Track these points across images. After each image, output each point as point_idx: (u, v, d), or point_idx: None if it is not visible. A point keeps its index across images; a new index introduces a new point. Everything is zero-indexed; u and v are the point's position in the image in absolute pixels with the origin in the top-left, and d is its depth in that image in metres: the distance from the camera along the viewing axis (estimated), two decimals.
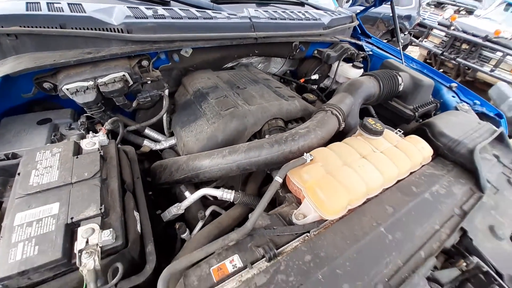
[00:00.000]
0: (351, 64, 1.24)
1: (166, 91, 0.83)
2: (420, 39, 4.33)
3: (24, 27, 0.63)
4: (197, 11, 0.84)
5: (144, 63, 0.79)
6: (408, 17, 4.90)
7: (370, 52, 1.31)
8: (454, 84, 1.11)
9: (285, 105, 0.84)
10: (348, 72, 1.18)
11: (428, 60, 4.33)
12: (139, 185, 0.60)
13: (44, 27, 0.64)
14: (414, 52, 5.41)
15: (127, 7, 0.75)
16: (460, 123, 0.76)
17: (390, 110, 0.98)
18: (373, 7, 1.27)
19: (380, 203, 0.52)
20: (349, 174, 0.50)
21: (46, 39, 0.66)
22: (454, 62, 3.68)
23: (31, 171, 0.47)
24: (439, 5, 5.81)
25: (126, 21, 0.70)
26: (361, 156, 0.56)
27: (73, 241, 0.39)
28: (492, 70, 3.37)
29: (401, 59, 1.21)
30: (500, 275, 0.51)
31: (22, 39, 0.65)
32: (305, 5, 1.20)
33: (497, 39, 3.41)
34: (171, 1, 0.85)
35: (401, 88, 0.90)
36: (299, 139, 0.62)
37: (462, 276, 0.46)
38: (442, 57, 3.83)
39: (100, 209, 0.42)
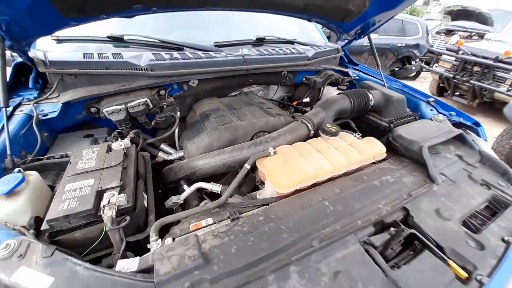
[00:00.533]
0: (336, 87, 1.42)
1: (178, 113, 1.07)
2: (430, 65, 4.43)
3: (81, 69, 0.93)
4: (202, 53, 1.11)
5: (162, 92, 1.05)
6: (417, 46, 5.11)
7: (357, 77, 1.49)
8: (431, 99, 1.22)
9: (271, 121, 1.02)
10: (333, 94, 1.35)
11: (441, 85, 4.36)
12: (150, 178, 0.80)
13: (95, 69, 0.93)
14: (427, 78, 5.47)
15: (152, 53, 1.04)
16: (421, 128, 0.87)
17: (368, 123, 1.11)
18: (354, 40, 1.48)
19: (330, 186, 0.64)
20: (302, 161, 0.64)
21: (95, 77, 0.95)
22: (468, 84, 3.68)
23: (78, 161, 0.69)
24: (449, 33, 5.94)
25: (150, 63, 0.98)
26: (316, 150, 0.70)
27: (100, 201, 0.58)
28: (508, 90, 3.30)
29: (383, 81, 1.37)
30: (440, 248, 0.58)
31: (79, 77, 0.94)
32: (294, 43, 1.46)
33: (509, 59, 3.41)
34: (184, 47, 1.15)
35: (372, 103, 1.04)
36: (271, 141, 0.79)
37: (394, 241, 0.54)
38: (455, 81, 3.86)
39: (120, 183, 0.62)
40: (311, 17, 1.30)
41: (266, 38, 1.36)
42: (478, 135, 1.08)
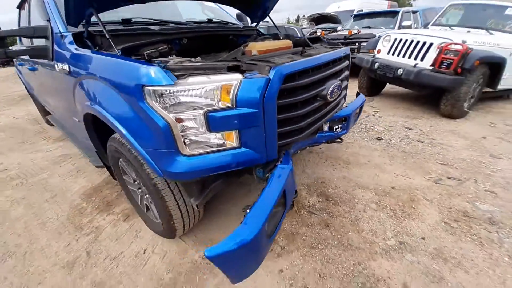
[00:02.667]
0: None
1: None
2: None
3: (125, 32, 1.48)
4: (184, 25, 1.80)
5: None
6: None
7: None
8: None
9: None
10: None
11: None
12: None
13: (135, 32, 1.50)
14: None
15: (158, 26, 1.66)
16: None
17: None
18: (261, 20, 2.46)
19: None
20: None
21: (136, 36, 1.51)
22: None
23: None
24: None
25: (161, 27, 1.60)
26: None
27: None
28: (356, 52, 5.28)
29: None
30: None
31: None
32: (229, 23, 2.31)
33: (352, 35, 5.48)
34: (170, 23, 1.80)
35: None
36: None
37: None
38: None
39: None
40: (238, 6, 2.19)
41: (213, 20, 2.16)
42: None
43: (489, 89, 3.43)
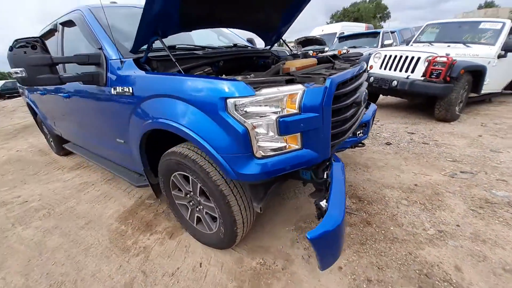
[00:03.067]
0: None
1: None
2: None
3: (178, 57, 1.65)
4: (218, 49, 2.01)
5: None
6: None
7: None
8: None
9: None
10: None
11: None
12: None
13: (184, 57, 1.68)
14: None
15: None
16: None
17: None
18: (274, 43, 2.74)
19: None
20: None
21: (184, 60, 1.68)
22: None
23: None
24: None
25: (205, 51, 1.79)
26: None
27: None
28: None
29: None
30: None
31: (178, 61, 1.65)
32: (248, 47, 2.57)
33: (341, 55, 5.97)
34: (206, 48, 2.00)
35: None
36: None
37: None
38: None
39: None
40: (257, 32, 2.46)
41: (237, 44, 2.41)
42: None
43: (474, 94, 3.84)
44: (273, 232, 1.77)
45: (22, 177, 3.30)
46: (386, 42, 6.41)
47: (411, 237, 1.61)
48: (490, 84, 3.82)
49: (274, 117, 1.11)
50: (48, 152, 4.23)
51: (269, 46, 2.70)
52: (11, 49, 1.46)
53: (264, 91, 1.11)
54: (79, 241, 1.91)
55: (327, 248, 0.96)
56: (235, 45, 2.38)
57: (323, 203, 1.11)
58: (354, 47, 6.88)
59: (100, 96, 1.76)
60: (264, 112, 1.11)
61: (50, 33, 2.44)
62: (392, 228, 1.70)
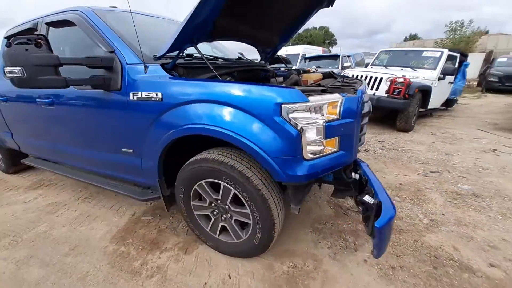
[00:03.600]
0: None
1: None
2: None
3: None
4: (233, 60, 2.05)
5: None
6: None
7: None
8: None
9: None
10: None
11: None
12: None
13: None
14: None
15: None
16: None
17: None
18: (269, 58, 2.91)
19: None
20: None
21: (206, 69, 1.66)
22: None
23: None
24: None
25: (223, 61, 1.81)
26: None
27: None
28: None
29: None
30: None
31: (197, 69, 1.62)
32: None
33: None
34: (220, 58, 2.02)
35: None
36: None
37: None
38: None
39: None
40: (258, 47, 2.58)
41: (241, 58, 2.49)
42: None
43: (422, 109, 4.66)
44: (293, 235, 1.81)
45: None
46: (345, 64, 7.30)
47: (412, 227, 1.85)
48: (433, 101, 4.69)
49: (321, 121, 1.21)
50: None
51: (263, 61, 2.86)
52: (9, 45, 1.25)
53: (312, 98, 1.20)
54: (69, 271, 1.61)
55: (387, 235, 1.06)
56: (239, 58, 2.45)
57: (367, 198, 1.23)
58: (319, 67, 7.62)
59: (107, 102, 1.60)
60: (312, 117, 1.20)
61: (27, 31, 2.12)
62: (395, 221, 1.92)
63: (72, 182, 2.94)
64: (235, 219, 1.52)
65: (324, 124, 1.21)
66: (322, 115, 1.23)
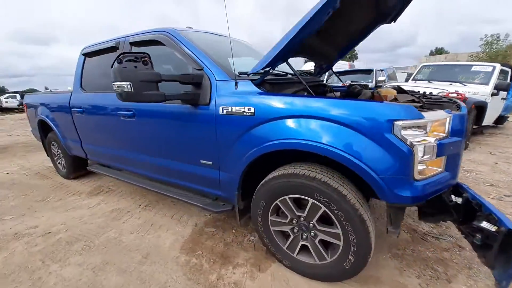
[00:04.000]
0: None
1: None
2: None
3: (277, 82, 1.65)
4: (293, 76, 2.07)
5: None
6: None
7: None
8: None
9: None
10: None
11: None
12: None
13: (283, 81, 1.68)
14: None
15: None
16: None
17: None
18: (324, 73, 2.91)
19: None
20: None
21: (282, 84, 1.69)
22: None
23: None
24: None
25: (289, 77, 1.83)
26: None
27: None
28: None
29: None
30: None
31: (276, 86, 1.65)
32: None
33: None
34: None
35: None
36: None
37: None
38: None
39: None
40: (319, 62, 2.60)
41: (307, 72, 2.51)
42: None
43: (475, 126, 4.36)
44: (372, 260, 1.68)
45: (28, 204, 2.82)
46: (379, 78, 7.15)
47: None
48: (486, 118, 4.38)
49: (432, 139, 1.15)
50: (50, 175, 3.73)
51: (317, 75, 2.87)
52: (120, 61, 1.36)
53: (427, 114, 1.15)
54: (147, 279, 1.62)
55: None
56: (301, 74, 2.48)
57: (486, 225, 1.12)
58: (352, 81, 7.53)
59: (193, 116, 1.66)
60: (421, 135, 1.14)
61: (109, 50, 2.32)
62: None
63: (130, 189, 3.06)
64: (320, 239, 1.46)
65: (436, 142, 1.15)
66: (432, 133, 1.17)
